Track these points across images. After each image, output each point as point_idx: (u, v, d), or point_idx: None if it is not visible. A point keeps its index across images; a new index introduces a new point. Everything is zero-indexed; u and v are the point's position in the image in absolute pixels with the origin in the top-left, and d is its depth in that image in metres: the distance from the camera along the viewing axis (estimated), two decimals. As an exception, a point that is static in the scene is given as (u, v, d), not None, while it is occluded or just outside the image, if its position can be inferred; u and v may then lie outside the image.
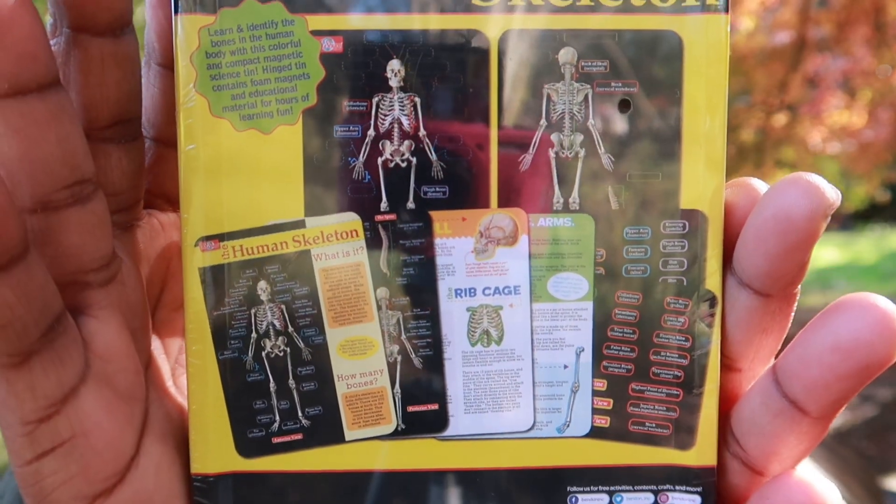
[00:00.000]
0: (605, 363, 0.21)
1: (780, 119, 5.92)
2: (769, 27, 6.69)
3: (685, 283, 0.20)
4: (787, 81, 5.34)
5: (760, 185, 0.20)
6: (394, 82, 0.19)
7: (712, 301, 0.20)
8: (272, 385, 0.21)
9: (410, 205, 0.20)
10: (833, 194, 0.19)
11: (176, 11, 0.19)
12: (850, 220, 23.59)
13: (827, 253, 15.17)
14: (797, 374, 0.18)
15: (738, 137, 6.05)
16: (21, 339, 0.17)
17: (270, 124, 0.19)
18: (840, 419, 4.61)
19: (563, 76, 0.20)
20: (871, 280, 11.52)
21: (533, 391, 0.21)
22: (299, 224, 0.20)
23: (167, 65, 0.20)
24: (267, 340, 0.21)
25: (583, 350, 0.21)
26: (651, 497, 0.21)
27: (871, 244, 16.33)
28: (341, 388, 0.21)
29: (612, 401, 0.21)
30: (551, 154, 0.20)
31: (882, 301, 0.18)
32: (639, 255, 0.20)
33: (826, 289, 11.09)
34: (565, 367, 0.21)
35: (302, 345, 0.21)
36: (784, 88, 5.42)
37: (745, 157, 6.02)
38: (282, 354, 0.21)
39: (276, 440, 0.21)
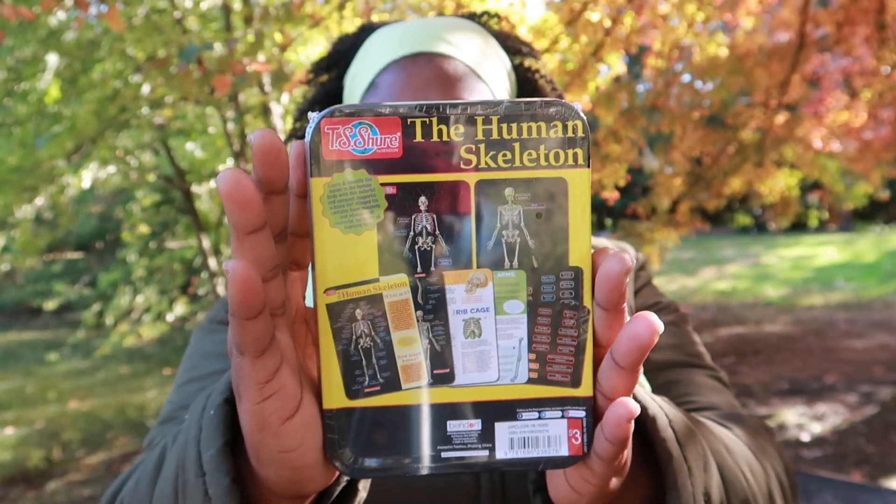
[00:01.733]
0: (534, 345, 0.39)
1: (781, 118, 5.92)
2: (769, 27, 6.68)
3: (573, 303, 0.39)
4: (788, 81, 5.33)
5: (605, 255, 0.38)
6: (422, 207, 0.37)
7: (586, 311, 0.39)
8: (363, 362, 0.39)
9: (432, 268, 0.38)
10: (631, 261, 0.37)
11: (310, 175, 0.37)
12: (851, 219, 23.45)
13: (827, 252, 15.16)
14: (616, 349, 0.37)
15: (739, 137, 6.05)
16: (265, 342, 0.35)
17: (360, 231, 0.37)
18: (840, 419, 4.61)
19: (507, 201, 0.38)
20: (871, 279, 11.53)
21: (497, 361, 0.39)
22: (375, 279, 0.38)
23: (302, 195, 0.39)
24: (360, 339, 0.38)
25: (522, 339, 0.39)
26: (559, 412, 0.39)
27: (871, 244, 16.31)
28: (399, 362, 0.39)
29: (538, 364, 0.39)
30: (503, 240, 0.38)
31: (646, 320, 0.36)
32: (549, 289, 0.39)
33: (826, 287, 11.10)
34: (514, 347, 0.39)
35: (379, 340, 0.39)
36: (784, 88, 5.42)
37: (745, 156, 6.01)
38: (369, 346, 0.39)
39: (366, 390, 0.39)
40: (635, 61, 8.23)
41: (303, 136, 0.82)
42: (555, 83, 0.86)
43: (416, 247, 0.38)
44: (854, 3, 4.79)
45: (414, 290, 0.38)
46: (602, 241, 0.88)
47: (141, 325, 8.06)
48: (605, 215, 31.15)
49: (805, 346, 7.05)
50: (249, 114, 6.06)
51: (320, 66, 0.83)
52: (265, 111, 5.80)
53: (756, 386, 5.57)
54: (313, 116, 0.36)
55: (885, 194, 13.18)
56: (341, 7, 3.44)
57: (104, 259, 13.10)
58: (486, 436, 0.39)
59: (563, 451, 0.39)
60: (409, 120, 0.36)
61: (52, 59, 5.28)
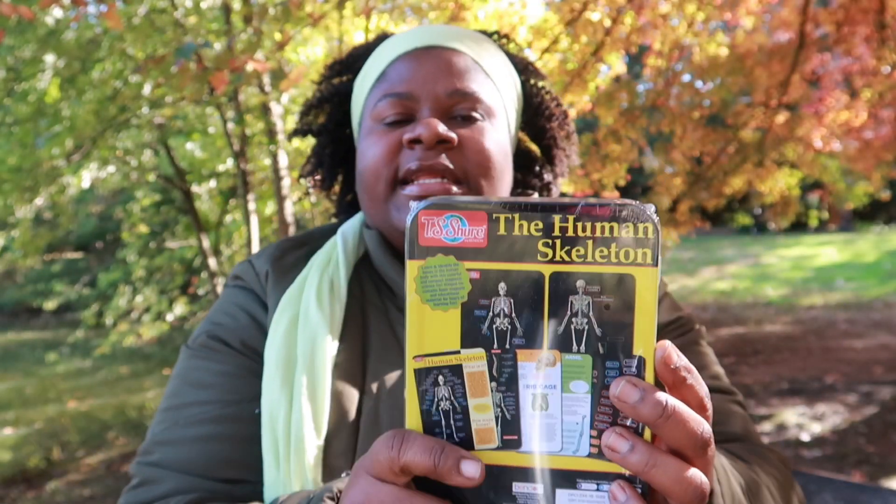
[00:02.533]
0: (596, 423, 0.43)
1: (781, 118, 5.91)
2: (769, 26, 6.68)
3: None
4: (788, 81, 5.33)
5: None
6: (501, 292, 0.41)
7: None
8: (443, 421, 0.43)
9: (507, 345, 0.42)
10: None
11: (407, 258, 0.42)
12: (851, 219, 23.40)
13: (827, 252, 15.15)
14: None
15: (739, 136, 6.04)
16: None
17: (446, 308, 0.42)
18: (840, 419, 4.61)
19: (578, 292, 0.41)
20: (871, 279, 11.52)
21: (561, 433, 0.43)
22: (457, 352, 0.43)
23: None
24: (441, 401, 0.43)
25: (585, 416, 0.43)
26: (608, 485, 0.43)
27: (871, 244, 16.30)
28: (473, 425, 0.43)
29: (599, 441, 0.42)
30: (572, 327, 0.42)
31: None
32: (613, 374, 0.42)
33: (826, 287, 11.09)
34: (577, 423, 0.43)
35: (457, 404, 0.43)
36: (784, 88, 5.41)
37: (745, 156, 6.00)
38: (448, 408, 0.43)
39: None
40: (635, 61, 8.23)
41: (306, 133, 0.84)
42: (559, 100, 0.87)
43: (494, 326, 0.42)
44: (854, 3, 4.79)
45: (490, 364, 0.43)
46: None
47: (140, 325, 8.05)
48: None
49: (805, 346, 7.05)
50: (250, 114, 6.06)
51: (334, 70, 0.84)
52: (265, 111, 5.80)
53: (756, 386, 5.57)
54: (413, 206, 0.42)
55: (885, 194, 13.16)
56: (340, 6, 3.44)
57: (104, 259, 13.10)
58: (548, 499, 0.43)
59: None
60: (493, 215, 0.41)
61: (51, 58, 5.27)
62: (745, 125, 5.85)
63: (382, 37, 0.83)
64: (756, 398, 5.23)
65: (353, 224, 0.80)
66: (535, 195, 0.87)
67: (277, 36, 4.06)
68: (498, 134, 0.74)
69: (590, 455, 0.42)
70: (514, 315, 0.41)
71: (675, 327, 0.83)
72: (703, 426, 0.41)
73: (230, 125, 6.40)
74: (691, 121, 6.04)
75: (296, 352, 0.67)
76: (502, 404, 0.43)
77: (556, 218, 0.40)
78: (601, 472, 0.42)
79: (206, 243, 7.81)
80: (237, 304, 0.75)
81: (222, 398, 0.69)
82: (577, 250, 0.40)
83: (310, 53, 5.23)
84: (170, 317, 8.28)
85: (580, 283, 0.41)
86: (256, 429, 0.67)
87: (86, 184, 7.31)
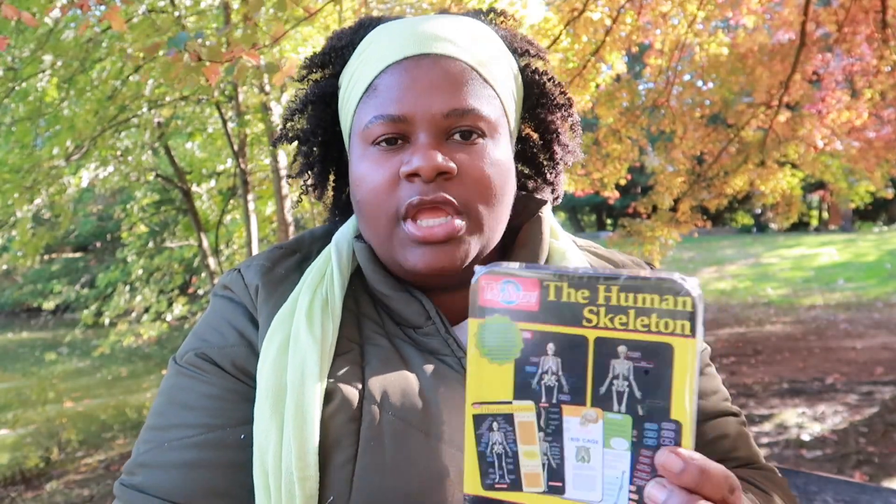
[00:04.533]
0: (635, 479, 0.46)
1: (782, 117, 5.90)
2: (770, 26, 6.67)
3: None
4: (789, 80, 5.32)
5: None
6: (550, 352, 0.46)
7: None
8: (496, 463, 0.48)
9: (554, 400, 0.46)
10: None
11: (469, 316, 0.47)
12: (851, 218, 23.37)
13: (828, 252, 15.15)
14: None
15: (740, 136, 6.03)
16: None
17: (502, 363, 0.47)
18: (840, 419, 4.60)
19: (619, 356, 0.45)
20: (872, 279, 11.52)
21: (602, 485, 0.47)
22: (509, 402, 0.47)
23: None
24: (495, 445, 0.48)
25: (625, 471, 0.46)
26: None
27: (872, 244, 16.30)
28: (522, 469, 0.48)
29: (637, 496, 0.46)
30: (613, 388, 0.45)
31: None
32: (652, 435, 0.45)
33: (827, 287, 11.09)
34: (617, 477, 0.46)
35: (509, 450, 0.48)
36: (786, 87, 5.40)
37: (746, 155, 5.99)
38: (501, 452, 0.48)
39: (496, 485, 0.48)
40: (636, 60, 8.22)
41: (293, 139, 0.80)
42: (562, 85, 0.82)
43: (543, 382, 0.46)
44: (855, 2, 4.78)
45: (538, 416, 0.47)
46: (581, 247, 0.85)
47: (140, 325, 8.04)
48: (605, 214, 31.17)
49: (805, 346, 7.04)
50: (249, 114, 6.05)
51: (314, 63, 0.78)
52: (265, 111, 5.79)
53: (756, 386, 5.56)
54: (477, 269, 0.47)
55: (888, 192, 13.16)
56: (337, 1, 3.42)
57: (103, 259, 13.09)
58: None
59: None
60: (545, 283, 0.46)
61: (50, 58, 5.26)
62: (746, 125, 5.84)
63: (366, 24, 0.77)
64: (756, 398, 5.22)
65: (346, 234, 0.76)
66: (546, 195, 0.84)
67: (272, 28, 4.04)
68: (499, 151, 0.70)
69: None
70: (560, 373, 0.46)
71: None
72: (731, 478, 0.46)
73: (230, 125, 6.39)
74: (692, 120, 6.03)
75: (286, 378, 0.64)
76: (549, 453, 0.47)
77: (601, 288, 0.44)
78: None
79: (205, 243, 7.80)
80: (226, 320, 0.72)
81: (207, 422, 0.66)
82: (620, 318, 0.44)
83: (309, 53, 5.21)
84: (169, 317, 8.26)
85: (622, 349, 0.44)
86: (242, 455, 0.64)
87: (84, 183, 7.29)
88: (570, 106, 0.81)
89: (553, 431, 0.47)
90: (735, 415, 0.81)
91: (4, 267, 9.73)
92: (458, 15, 0.77)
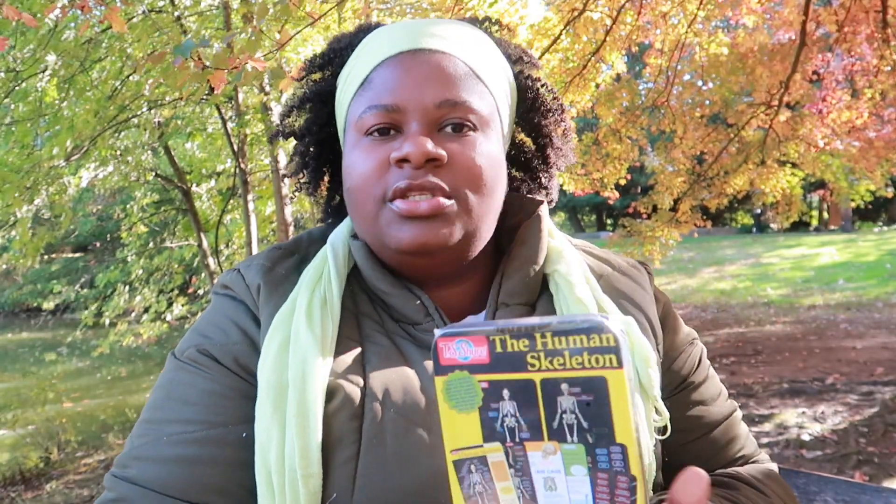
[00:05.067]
0: (597, 499, 0.51)
1: (783, 117, 5.90)
2: (771, 25, 6.67)
3: (623, 471, 0.50)
4: (789, 80, 5.32)
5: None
6: (506, 397, 0.51)
7: (634, 478, 0.50)
8: (479, 500, 0.53)
9: (517, 439, 0.51)
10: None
11: (433, 374, 0.52)
12: (852, 218, 23.36)
13: (828, 251, 15.15)
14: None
15: (740, 136, 6.04)
16: None
17: (468, 412, 0.51)
18: (840, 419, 4.60)
19: (563, 393, 0.50)
20: (872, 278, 11.52)
21: None
22: (480, 445, 0.52)
23: None
24: (475, 485, 0.53)
25: (587, 494, 0.51)
26: None
27: (872, 244, 16.30)
28: (503, 503, 0.53)
29: None
30: (563, 422, 0.50)
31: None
32: (603, 459, 0.50)
33: (827, 287, 11.09)
34: (581, 501, 0.51)
35: (488, 488, 0.53)
36: (786, 87, 5.40)
37: (747, 155, 6.00)
38: (481, 490, 0.53)
39: None
40: (636, 60, 8.22)
41: (289, 135, 0.82)
42: (555, 92, 0.83)
43: (505, 424, 0.51)
44: (856, 2, 4.78)
45: (506, 454, 0.52)
46: (577, 243, 0.86)
47: (139, 325, 8.04)
48: (605, 214, 31.17)
49: (806, 346, 7.04)
50: (249, 114, 6.05)
51: (314, 64, 0.80)
52: (265, 110, 5.79)
53: (756, 386, 5.56)
54: (436, 332, 0.52)
55: (888, 192, 13.16)
56: (340, 5, 3.42)
57: (103, 259, 13.09)
58: None
59: None
60: (491, 338, 0.51)
61: (51, 58, 5.26)
62: (746, 124, 5.84)
63: (366, 28, 0.78)
64: (756, 398, 5.22)
65: (341, 234, 0.77)
66: (541, 196, 0.85)
67: (276, 35, 4.04)
68: (490, 144, 0.70)
69: None
70: (518, 415, 0.51)
71: (691, 349, 0.85)
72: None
73: (230, 125, 6.39)
74: (692, 120, 6.03)
75: (287, 376, 0.64)
76: (521, 486, 0.53)
77: (538, 336, 0.50)
78: None
79: (205, 243, 7.80)
80: (229, 318, 0.72)
81: (207, 419, 0.66)
82: (558, 359, 0.50)
83: (309, 53, 5.22)
84: (169, 317, 8.26)
85: (564, 386, 0.50)
86: (242, 454, 0.64)
87: (84, 183, 7.29)
88: (563, 111, 0.82)
89: (521, 467, 0.52)
90: (734, 410, 0.85)
91: (4, 267, 9.73)
92: (455, 20, 0.78)
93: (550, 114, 0.81)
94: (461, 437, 0.53)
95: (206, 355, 0.69)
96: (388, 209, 0.68)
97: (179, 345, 0.73)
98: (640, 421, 0.50)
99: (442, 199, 0.66)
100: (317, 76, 0.80)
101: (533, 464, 0.52)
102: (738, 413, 0.85)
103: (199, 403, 0.67)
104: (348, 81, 0.74)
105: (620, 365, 0.49)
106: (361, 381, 0.66)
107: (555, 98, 0.82)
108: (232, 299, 0.73)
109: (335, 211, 0.83)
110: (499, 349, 0.51)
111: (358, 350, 0.69)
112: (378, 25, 0.78)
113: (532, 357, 0.50)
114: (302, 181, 0.81)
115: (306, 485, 0.61)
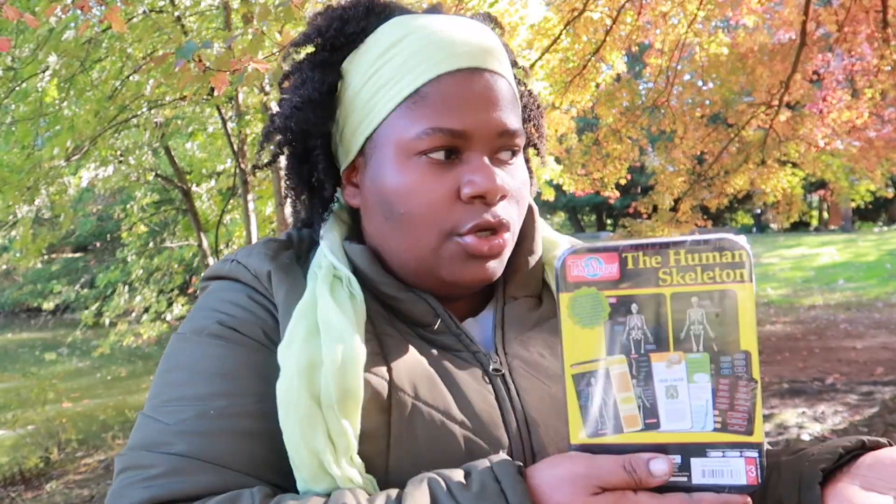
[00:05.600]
0: (717, 404, 0.53)
1: (783, 117, 5.90)
2: (771, 25, 6.67)
3: (745, 376, 0.53)
4: (790, 80, 5.32)
5: None
6: (634, 311, 0.54)
7: (755, 382, 0.53)
8: (597, 413, 0.55)
9: (642, 350, 0.54)
10: None
11: (558, 291, 0.55)
12: (852, 218, 23.37)
13: (828, 251, 15.14)
14: None
15: (741, 136, 6.03)
16: None
17: (593, 327, 0.54)
18: (840, 419, 4.60)
19: (693, 306, 0.53)
20: (872, 278, 11.51)
21: (691, 415, 0.54)
22: (601, 359, 0.55)
23: None
24: (594, 397, 0.55)
25: (708, 399, 0.53)
26: (738, 453, 0.53)
27: (872, 244, 16.29)
28: (621, 414, 0.55)
29: (721, 418, 0.53)
30: (691, 333, 0.53)
31: None
32: (727, 366, 0.53)
33: (827, 287, 11.08)
34: (702, 406, 0.53)
35: (607, 399, 0.55)
36: (786, 86, 5.40)
37: (747, 155, 5.99)
38: (600, 402, 0.55)
39: (599, 432, 0.55)
40: (636, 60, 8.22)
41: (287, 140, 0.75)
42: (531, 91, 0.84)
43: (631, 337, 0.53)
44: (856, 2, 4.77)
45: (630, 366, 0.54)
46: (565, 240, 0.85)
47: (139, 325, 8.03)
48: (605, 214, 31.13)
49: (806, 346, 7.04)
50: (249, 114, 6.04)
51: (311, 41, 0.73)
52: (265, 110, 5.78)
53: (757, 386, 5.56)
54: (560, 254, 0.54)
55: (888, 192, 13.16)
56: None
57: (103, 259, 13.08)
58: (684, 467, 0.54)
59: (742, 481, 0.53)
60: (623, 254, 0.53)
61: (51, 58, 5.26)
62: (746, 124, 5.83)
63: (377, 10, 0.72)
64: (757, 398, 5.22)
65: (333, 238, 0.73)
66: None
67: (277, 37, 4.04)
68: (523, 164, 0.73)
69: (714, 430, 0.53)
70: (645, 327, 0.53)
71: None
72: None
73: (230, 125, 6.39)
74: (693, 120, 6.03)
75: (320, 356, 0.61)
76: (643, 396, 0.54)
77: (671, 252, 0.53)
78: (725, 442, 0.53)
79: (205, 243, 7.80)
80: (244, 297, 0.68)
81: (257, 391, 0.62)
82: (690, 275, 0.52)
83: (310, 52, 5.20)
84: (169, 317, 8.26)
85: (694, 300, 0.52)
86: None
87: (84, 183, 7.29)
88: (538, 107, 0.84)
89: (644, 377, 0.54)
90: None
91: (4, 267, 9.73)
92: (476, 22, 0.74)
93: (532, 116, 0.82)
94: (583, 352, 0.54)
95: (233, 329, 0.66)
96: (455, 243, 0.66)
97: (189, 325, 0.69)
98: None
99: (506, 235, 0.68)
100: (312, 58, 0.74)
101: (656, 373, 0.54)
102: None
103: (242, 376, 0.64)
104: (380, 85, 0.68)
105: (751, 279, 0.52)
106: (386, 374, 0.65)
107: (538, 106, 0.84)
108: (237, 282, 0.70)
109: (319, 211, 0.77)
110: (630, 265, 0.53)
111: (376, 344, 0.67)
112: (388, 9, 0.73)
113: (664, 273, 0.52)
114: (289, 184, 0.77)
115: (355, 462, 0.59)
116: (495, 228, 0.67)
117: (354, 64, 0.71)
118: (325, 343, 0.61)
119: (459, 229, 0.66)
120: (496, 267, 0.69)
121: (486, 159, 0.66)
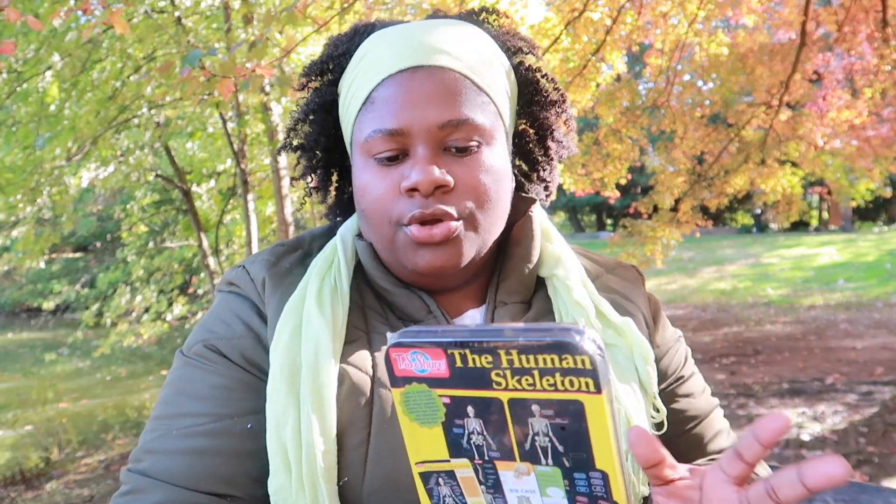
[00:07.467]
0: None
1: (783, 117, 5.90)
2: (770, 25, 6.67)
3: (606, 497, 0.47)
4: (789, 79, 5.32)
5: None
6: (471, 414, 0.47)
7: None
8: None
9: (486, 457, 0.48)
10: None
11: (389, 386, 0.50)
12: (852, 218, 23.38)
13: (828, 251, 15.15)
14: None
15: (741, 135, 6.04)
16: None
17: (431, 426, 0.48)
18: (840, 419, 4.61)
19: (534, 415, 0.45)
20: (872, 278, 11.52)
21: None
22: (447, 460, 0.49)
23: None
24: (444, 498, 0.51)
25: None
26: None
27: (872, 243, 16.30)
28: None
29: None
30: (536, 444, 0.46)
31: None
32: (583, 484, 0.47)
33: (827, 287, 11.09)
34: None
35: (458, 501, 0.51)
36: (786, 86, 5.40)
37: (747, 155, 6.00)
38: (452, 503, 0.51)
39: None
40: (636, 60, 8.22)
41: (297, 147, 0.82)
42: (556, 81, 0.83)
43: (472, 441, 0.48)
44: (856, 2, 4.78)
45: (476, 471, 0.49)
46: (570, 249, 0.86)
47: (140, 325, 8.04)
48: (605, 214, 31.16)
49: (805, 346, 7.04)
50: (249, 114, 6.05)
51: (313, 72, 0.80)
52: (265, 110, 5.79)
53: (756, 386, 5.56)
54: (389, 339, 0.48)
55: (887, 191, 13.17)
56: (344, 11, 3.42)
57: (103, 259, 13.09)
58: None
59: None
60: (448, 351, 0.45)
61: (54, 58, 5.26)
62: (746, 124, 5.84)
63: (361, 31, 0.78)
64: (756, 398, 5.22)
65: (350, 228, 0.79)
66: (539, 191, 0.86)
67: (281, 41, 4.04)
68: (494, 156, 0.72)
69: None
70: (485, 433, 0.47)
71: (678, 341, 0.89)
72: None
73: (230, 125, 6.39)
74: (693, 120, 6.03)
75: (300, 359, 0.67)
76: (494, 503, 0.50)
77: (502, 353, 0.44)
78: None
79: (205, 243, 7.81)
80: (234, 313, 0.74)
81: (215, 411, 0.68)
82: (527, 379, 0.44)
83: (310, 53, 5.22)
84: (169, 317, 8.27)
85: (535, 408, 0.45)
86: (248, 444, 0.67)
87: (85, 183, 7.30)
88: (564, 101, 0.83)
89: (493, 484, 0.49)
90: (718, 408, 0.89)
91: (5, 267, 9.74)
92: (450, 19, 0.78)
93: (551, 105, 0.81)
94: (426, 451, 0.49)
95: (212, 350, 0.71)
96: (403, 233, 0.70)
97: (187, 341, 0.75)
98: (623, 446, 0.46)
99: (452, 224, 0.69)
100: (315, 84, 0.81)
101: (505, 482, 0.48)
102: (720, 409, 0.89)
103: (207, 397, 0.69)
104: (350, 94, 0.74)
105: (599, 389, 0.43)
106: (371, 369, 0.69)
107: (556, 88, 0.82)
108: (237, 295, 0.75)
109: (342, 209, 0.85)
110: (459, 364, 0.45)
111: (365, 339, 0.71)
112: (373, 26, 0.78)
113: (497, 374, 0.44)
114: (311, 185, 0.83)
115: (324, 460, 0.63)
116: (436, 218, 0.68)
117: (342, 81, 0.78)
118: (303, 345, 0.67)
119: (403, 220, 0.69)
120: (453, 253, 0.69)
121: (426, 153, 0.68)
